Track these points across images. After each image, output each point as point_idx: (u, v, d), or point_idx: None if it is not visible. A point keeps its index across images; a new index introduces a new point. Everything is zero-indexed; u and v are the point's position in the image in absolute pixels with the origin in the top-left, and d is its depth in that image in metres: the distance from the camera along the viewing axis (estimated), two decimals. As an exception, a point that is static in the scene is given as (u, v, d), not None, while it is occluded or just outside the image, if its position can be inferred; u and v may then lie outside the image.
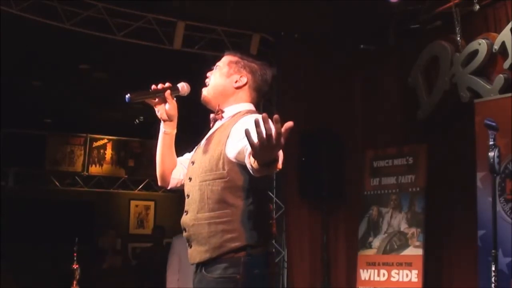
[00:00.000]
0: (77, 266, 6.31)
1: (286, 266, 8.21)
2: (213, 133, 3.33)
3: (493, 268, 4.72)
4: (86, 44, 7.99)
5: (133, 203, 13.28)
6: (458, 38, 6.75)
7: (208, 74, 3.45)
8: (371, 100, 8.07)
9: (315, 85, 8.12)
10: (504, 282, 5.53)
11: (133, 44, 7.82)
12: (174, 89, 3.39)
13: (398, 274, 6.98)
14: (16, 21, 7.22)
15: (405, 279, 6.91)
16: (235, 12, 7.73)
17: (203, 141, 3.38)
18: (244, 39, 8.29)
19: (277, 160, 2.75)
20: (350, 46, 8.15)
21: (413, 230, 7.04)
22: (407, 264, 6.93)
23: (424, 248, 6.90)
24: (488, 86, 6.40)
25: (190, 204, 3.26)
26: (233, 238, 3.08)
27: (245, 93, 3.38)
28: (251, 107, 3.39)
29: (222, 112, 3.36)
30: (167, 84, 3.38)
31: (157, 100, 3.39)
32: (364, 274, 7.27)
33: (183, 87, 3.41)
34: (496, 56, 6.43)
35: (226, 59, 3.42)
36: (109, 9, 7.59)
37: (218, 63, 3.43)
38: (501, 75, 6.30)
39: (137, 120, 11.99)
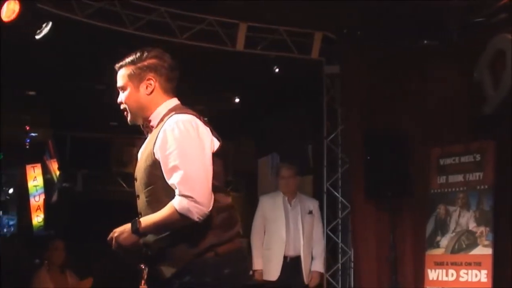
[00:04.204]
0: (144, 265, 6.37)
1: (352, 266, 8.17)
2: (145, 145, 3.28)
3: None
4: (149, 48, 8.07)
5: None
6: (525, 31, 6.60)
7: (119, 100, 3.34)
8: (436, 96, 7.92)
9: (378, 82, 8.05)
10: None
11: (195, 47, 7.88)
12: None
13: (467, 274, 6.84)
14: (80, 27, 7.36)
15: (474, 279, 6.76)
16: (297, 11, 7.72)
17: (139, 155, 3.32)
18: (306, 38, 8.28)
19: None
20: (413, 42, 8.04)
21: (481, 229, 6.89)
22: (476, 264, 6.79)
23: (494, 248, 6.75)
24: (555, 80, 6.24)
25: None
26: (199, 240, 3.04)
27: (158, 92, 3.28)
28: (172, 102, 3.30)
29: (150, 122, 3.28)
30: None
31: None
32: (432, 274, 7.15)
33: None
34: None
35: (122, 76, 3.31)
36: (172, 13, 7.68)
37: (119, 85, 3.31)
38: None
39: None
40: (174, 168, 3.00)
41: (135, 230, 3.09)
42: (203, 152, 3.06)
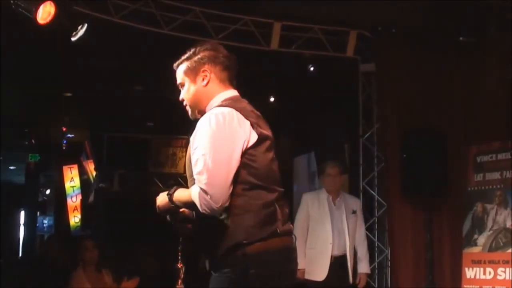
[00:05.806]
0: (181, 265, 6.40)
1: (389, 265, 8.13)
2: None
3: None
4: (185, 48, 8.12)
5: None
6: None
7: (180, 98, 3.39)
8: (473, 93, 7.86)
9: (414, 80, 8.00)
10: None
11: (230, 47, 7.89)
12: None
13: (505, 272, 6.78)
14: (116, 28, 7.43)
15: (512, 278, 6.72)
16: (331, 10, 7.71)
17: None
18: (341, 36, 8.26)
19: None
20: (449, 39, 7.98)
21: (519, 226, 6.84)
22: (514, 262, 6.74)
23: (532, 246, 6.69)
24: None
25: None
26: (227, 237, 3.04)
27: (215, 82, 3.30)
28: (227, 94, 3.30)
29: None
30: None
31: None
32: (470, 273, 7.10)
33: None
34: None
35: (179, 73, 3.37)
36: (207, 13, 7.72)
37: (178, 83, 3.38)
38: None
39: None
40: (197, 161, 3.03)
41: (168, 194, 3.24)
42: (229, 148, 3.03)
